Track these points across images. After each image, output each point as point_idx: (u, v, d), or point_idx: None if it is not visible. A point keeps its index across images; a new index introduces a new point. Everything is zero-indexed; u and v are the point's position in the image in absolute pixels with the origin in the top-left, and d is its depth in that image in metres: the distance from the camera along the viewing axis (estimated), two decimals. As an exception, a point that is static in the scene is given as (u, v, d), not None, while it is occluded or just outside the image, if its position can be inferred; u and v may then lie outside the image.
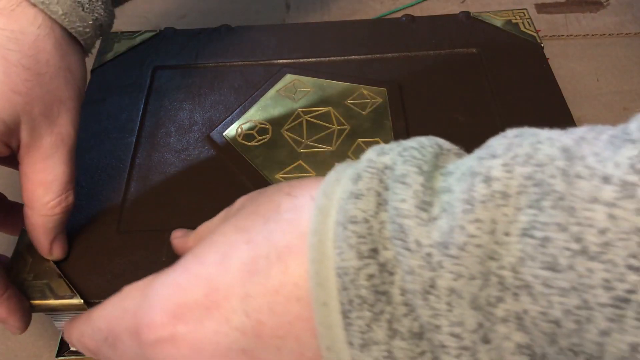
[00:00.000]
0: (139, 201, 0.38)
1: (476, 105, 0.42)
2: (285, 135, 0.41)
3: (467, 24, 0.48)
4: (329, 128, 0.41)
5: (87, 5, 0.33)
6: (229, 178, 0.39)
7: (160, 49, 0.48)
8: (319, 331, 0.23)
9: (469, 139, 0.40)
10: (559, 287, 0.19)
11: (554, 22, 0.51)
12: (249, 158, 0.39)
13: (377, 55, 0.46)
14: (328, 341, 0.23)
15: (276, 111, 0.42)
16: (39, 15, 0.31)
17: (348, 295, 0.22)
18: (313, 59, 0.46)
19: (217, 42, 0.48)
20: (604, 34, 0.50)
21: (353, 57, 0.46)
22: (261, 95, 0.44)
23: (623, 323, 0.18)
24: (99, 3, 0.34)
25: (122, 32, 0.49)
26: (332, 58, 0.46)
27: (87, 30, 0.34)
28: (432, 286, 0.21)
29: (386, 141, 0.40)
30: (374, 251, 0.23)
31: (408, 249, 0.22)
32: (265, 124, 0.42)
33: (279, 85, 0.44)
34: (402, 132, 0.40)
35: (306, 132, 0.41)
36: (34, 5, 0.31)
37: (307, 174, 0.38)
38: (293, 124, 0.41)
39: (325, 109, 0.42)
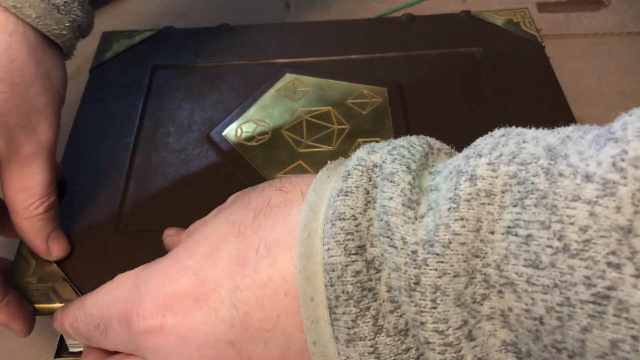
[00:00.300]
0: (138, 201, 0.37)
1: (477, 104, 0.42)
2: (285, 135, 0.41)
3: (467, 23, 0.48)
4: (329, 128, 0.41)
5: (62, 7, 0.32)
6: (229, 178, 0.38)
7: (159, 48, 0.48)
8: (306, 325, 0.23)
9: (470, 139, 0.40)
10: (542, 284, 0.20)
11: (555, 21, 0.51)
12: (248, 158, 0.39)
13: (378, 55, 0.46)
14: (314, 335, 0.23)
15: (276, 111, 0.42)
16: (10, 20, 0.30)
17: (335, 290, 0.23)
18: (313, 59, 0.46)
19: (216, 42, 0.48)
20: (606, 33, 0.49)
21: (353, 56, 0.46)
22: (261, 95, 0.43)
23: (603, 320, 0.19)
24: (76, 4, 0.33)
25: (121, 32, 0.49)
26: (332, 57, 0.46)
27: (65, 32, 0.33)
28: (417, 283, 0.22)
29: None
30: (361, 248, 0.23)
31: (394, 247, 0.22)
32: (265, 124, 0.41)
33: (279, 84, 0.44)
34: (403, 131, 0.40)
35: (306, 131, 0.41)
36: (5, 9, 0.30)
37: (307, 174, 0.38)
38: (293, 123, 0.41)
39: (325, 108, 0.42)
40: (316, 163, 0.39)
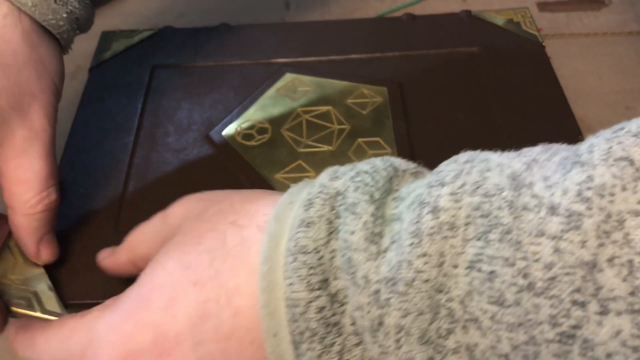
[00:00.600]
0: (137, 201, 0.37)
1: (477, 104, 0.42)
2: (285, 135, 0.40)
3: (468, 23, 0.48)
4: (329, 127, 0.41)
5: None
6: (228, 178, 0.38)
7: (158, 47, 0.48)
8: None
9: (470, 138, 0.40)
10: (507, 322, 0.19)
11: (556, 21, 0.51)
12: (248, 158, 0.39)
13: (378, 54, 0.46)
14: None
15: (276, 110, 0.42)
16: (5, 5, 0.30)
17: (298, 327, 0.22)
18: (313, 58, 0.46)
19: (216, 41, 0.48)
20: (606, 33, 0.49)
21: (353, 56, 0.46)
22: (260, 95, 0.43)
23: (569, 359, 0.18)
24: None
25: (121, 31, 0.49)
26: (332, 57, 0.46)
27: (62, 23, 0.32)
28: (380, 324, 0.21)
29: (387, 141, 0.40)
30: (325, 282, 0.22)
31: (356, 285, 0.21)
32: (265, 124, 0.41)
33: (279, 84, 0.44)
34: (403, 131, 0.40)
35: (306, 131, 0.41)
36: None
37: (307, 174, 0.38)
38: (293, 123, 0.41)
39: (325, 108, 0.42)
40: (316, 163, 0.39)
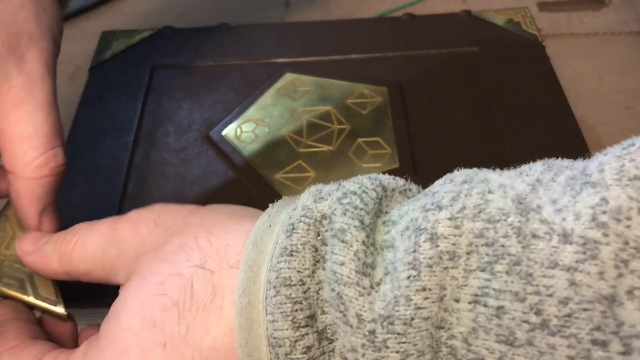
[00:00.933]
0: (137, 201, 0.37)
1: (477, 104, 0.42)
2: (285, 135, 0.40)
3: (468, 23, 0.48)
4: (329, 127, 0.41)
5: None
6: (228, 178, 0.38)
7: (158, 47, 0.48)
8: None
9: (470, 138, 0.40)
10: None
11: (556, 21, 0.51)
12: (248, 158, 0.39)
13: (378, 54, 0.46)
14: None
15: (276, 110, 0.42)
16: None
17: None
18: (313, 58, 0.46)
19: (216, 41, 0.48)
20: (606, 33, 0.49)
21: (353, 56, 0.46)
22: (260, 95, 0.43)
23: None
24: None
25: (121, 31, 0.49)
26: (332, 57, 0.46)
27: None
28: None
29: (387, 141, 0.39)
30: (312, 318, 0.20)
31: (348, 324, 0.19)
32: (265, 124, 0.41)
33: (279, 84, 0.44)
34: (403, 131, 0.40)
35: (306, 131, 0.41)
36: None
37: (307, 174, 0.38)
38: (293, 123, 0.41)
39: (325, 108, 0.42)
40: (316, 163, 0.38)
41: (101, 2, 0.53)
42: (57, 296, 0.27)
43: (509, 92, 0.42)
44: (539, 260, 0.17)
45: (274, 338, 0.20)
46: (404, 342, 0.19)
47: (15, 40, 0.27)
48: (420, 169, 0.38)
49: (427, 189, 0.21)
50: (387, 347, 0.19)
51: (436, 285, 0.19)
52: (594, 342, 0.16)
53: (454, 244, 0.19)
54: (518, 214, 0.18)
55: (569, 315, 0.17)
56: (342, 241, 0.20)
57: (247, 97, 0.43)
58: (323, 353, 0.20)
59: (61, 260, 0.26)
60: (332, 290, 0.20)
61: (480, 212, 0.19)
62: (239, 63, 0.46)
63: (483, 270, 0.18)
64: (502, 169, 0.21)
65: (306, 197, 0.22)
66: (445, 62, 0.45)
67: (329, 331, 0.20)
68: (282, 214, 0.22)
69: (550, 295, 0.17)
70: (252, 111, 0.42)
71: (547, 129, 0.39)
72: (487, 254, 0.18)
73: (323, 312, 0.20)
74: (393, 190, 0.23)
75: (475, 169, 0.21)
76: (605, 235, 0.17)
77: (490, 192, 0.19)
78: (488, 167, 0.22)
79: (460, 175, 0.21)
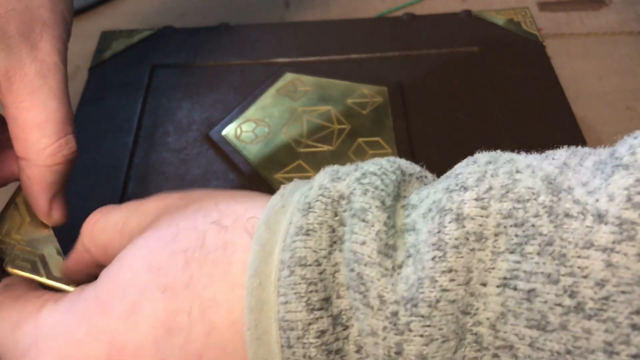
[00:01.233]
0: (136, 201, 0.37)
1: (477, 104, 0.42)
2: (285, 135, 0.40)
3: (468, 23, 0.48)
4: (329, 127, 0.41)
5: None
6: (228, 178, 0.38)
7: (158, 47, 0.48)
8: None
9: (470, 138, 0.40)
10: (550, 350, 0.17)
11: (556, 21, 0.51)
12: (248, 158, 0.39)
13: (378, 54, 0.46)
14: None
15: (276, 110, 0.42)
16: None
17: (294, 354, 0.19)
18: (313, 58, 0.46)
19: (216, 41, 0.48)
20: (607, 33, 0.49)
21: (353, 55, 0.46)
22: (260, 94, 0.43)
23: None
24: None
25: (121, 31, 0.49)
26: (332, 57, 0.46)
27: None
28: (399, 353, 0.18)
29: (387, 141, 0.39)
30: (327, 301, 0.19)
31: (369, 306, 0.18)
32: (265, 124, 0.41)
33: (279, 84, 0.44)
34: (403, 131, 0.40)
35: (306, 131, 0.41)
36: None
37: (307, 174, 0.38)
38: (293, 123, 0.41)
39: (325, 108, 0.42)
40: (316, 163, 0.38)
41: (101, 2, 0.53)
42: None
43: (509, 92, 0.42)
44: (573, 240, 0.17)
45: (286, 321, 0.19)
46: (429, 326, 0.18)
47: (29, 27, 0.26)
48: (421, 169, 0.38)
49: (448, 172, 0.21)
50: (411, 331, 0.18)
51: (463, 267, 0.18)
52: (634, 326, 0.16)
53: (480, 225, 0.18)
54: (549, 194, 0.18)
55: (606, 298, 0.16)
56: (363, 220, 0.19)
57: (247, 97, 0.43)
58: (337, 339, 0.19)
59: (84, 236, 0.26)
60: (352, 270, 0.19)
61: (508, 192, 0.18)
62: (239, 63, 0.46)
63: (512, 252, 0.18)
64: None
65: (323, 177, 0.21)
66: (445, 62, 0.45)
67: (344, 317, 0.19)
68: (295, 194, 0.21)
69: (585, 277, 0.16)
70: (252, 111, 0.42)
71: (547, 128, 0.39)
72: (516, 235, 0.18)
73: (339, 296, 0.19)
74: (410, 175, 0.22)
75: (498, 151, 0.20)
76: None
77: (518, 171, 0.19)
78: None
79: (483, 156, 0.20)
